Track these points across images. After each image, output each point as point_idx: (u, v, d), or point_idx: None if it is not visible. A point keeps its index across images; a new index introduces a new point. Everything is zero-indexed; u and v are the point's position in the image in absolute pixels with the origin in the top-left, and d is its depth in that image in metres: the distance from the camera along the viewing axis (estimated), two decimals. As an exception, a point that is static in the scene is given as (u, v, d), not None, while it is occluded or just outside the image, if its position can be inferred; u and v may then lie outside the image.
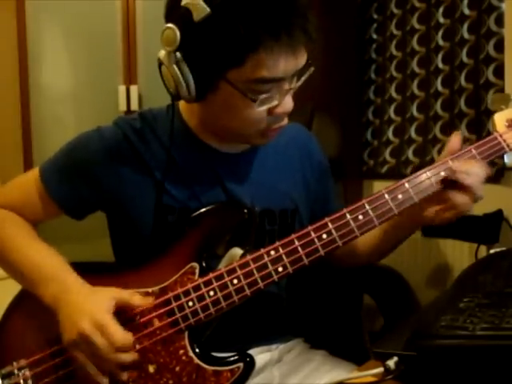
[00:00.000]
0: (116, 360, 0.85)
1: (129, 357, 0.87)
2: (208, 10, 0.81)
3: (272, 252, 0.90)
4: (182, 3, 0.83)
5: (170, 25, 0.85)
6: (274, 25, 0.82)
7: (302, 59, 0.89)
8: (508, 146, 0.99)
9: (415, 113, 2.41)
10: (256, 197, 1.03)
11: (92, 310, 0.86)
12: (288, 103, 0.92)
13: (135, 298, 0.90)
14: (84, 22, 2.38)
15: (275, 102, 0.90)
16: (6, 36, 2.48)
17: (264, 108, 0.89)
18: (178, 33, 0.84)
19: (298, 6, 0.84)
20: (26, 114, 2.46)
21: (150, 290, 0.92)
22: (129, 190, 1.00)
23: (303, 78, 0.92)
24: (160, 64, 0.89)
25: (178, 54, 0.85)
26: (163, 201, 0.99)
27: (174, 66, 0.86)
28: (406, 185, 0.93)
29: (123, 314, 0.90)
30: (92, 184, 1.00)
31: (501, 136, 0.99)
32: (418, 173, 0.95)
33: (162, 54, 0.88)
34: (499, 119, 1.02)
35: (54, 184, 1.01)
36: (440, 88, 2.29)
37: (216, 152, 1.02)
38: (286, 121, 0.96)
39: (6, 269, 1.00)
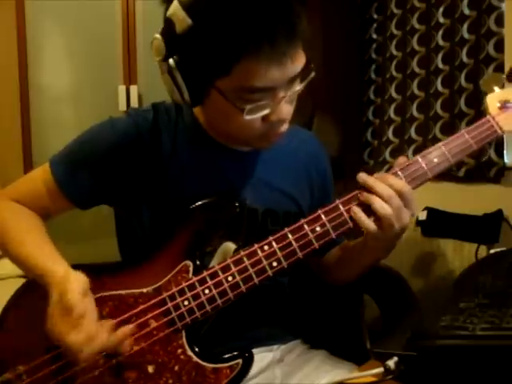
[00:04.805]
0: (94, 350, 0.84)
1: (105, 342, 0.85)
2: (190, 21, 0.81)
3: (265, 247, 0.89)
4: (167, 14, 0.84)
5: (157, 35, 0.86)
6: (255, 35, 0.80)
7: (295, 66, 0.86)
8: (501, 128, 0.94)
9: (415, 113, 2.41)
10: (260, 196, 1.02)
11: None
12: (283, 111, 0.89)
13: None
14: (84, 23, 2.38)
15: (267, 111, 0.87)
16: (6, 36, 2.48)
17: (254, 116, 0.87)
18: (163, 44, 0.85)
19: (280, 15, 0.81)
20: (26, 114, 2.46)
21: (144, 290, 0.92)
22: (136, 180, 1.00)
23: (303, 84, 0.89)
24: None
25: (170, 62, 0.85)
26: (166, 194, 0.99)
27: (166, 75, 0.87)
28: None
29: (119, 315, 0.90)
30: (101, 175, 1.00)
31: (493, 118, 0.95)
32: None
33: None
34: (491, 101, 0.98)
35: (63, 175, 1.01)
36: (440, 88, 2.29)
37: (224, 149, 1.03)
38: (285, 127, 0.93)
39: (9, 258, 1.00)
